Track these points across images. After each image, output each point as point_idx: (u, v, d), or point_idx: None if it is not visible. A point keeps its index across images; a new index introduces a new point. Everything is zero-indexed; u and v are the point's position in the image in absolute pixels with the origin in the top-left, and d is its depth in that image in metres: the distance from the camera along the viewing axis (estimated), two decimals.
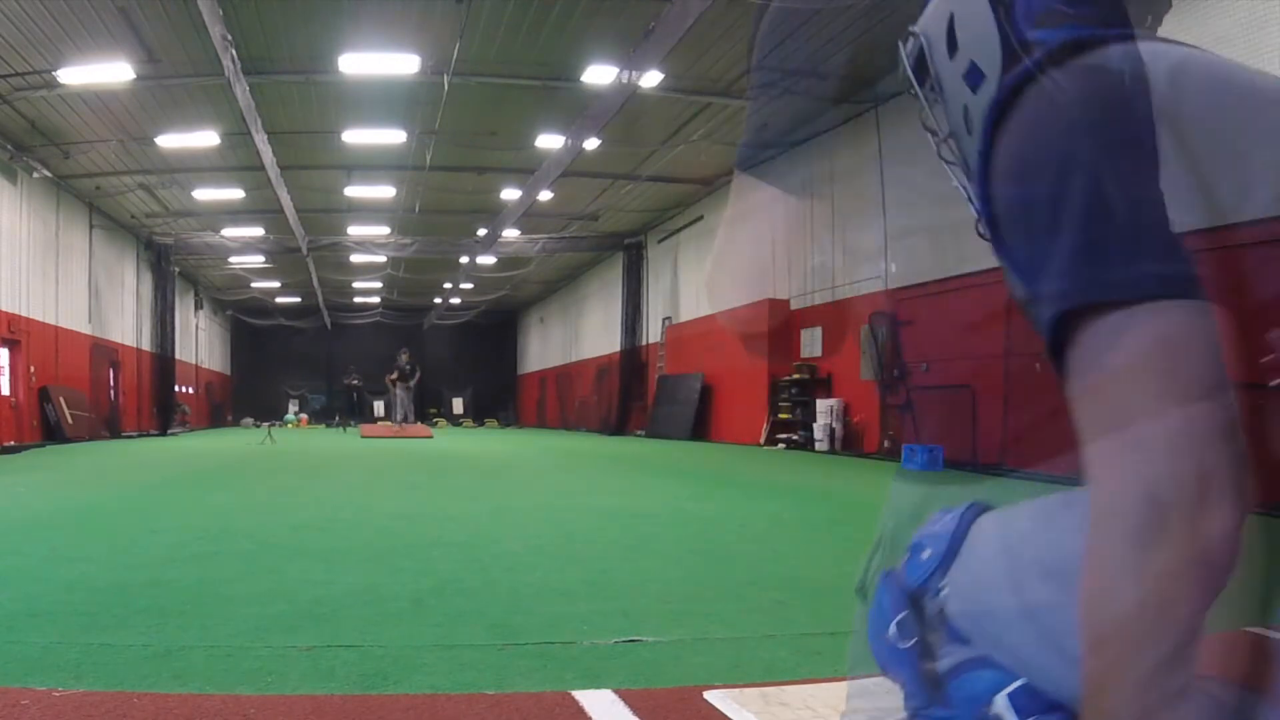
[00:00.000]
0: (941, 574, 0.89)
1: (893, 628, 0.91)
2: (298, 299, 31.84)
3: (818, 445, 13.74)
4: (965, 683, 0.84)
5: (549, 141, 14.83)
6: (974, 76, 0.96)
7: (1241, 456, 0.65)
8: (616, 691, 2.08)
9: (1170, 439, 0.66)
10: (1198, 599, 0.63)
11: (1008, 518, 0.86)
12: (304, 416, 31.35)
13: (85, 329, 17.92)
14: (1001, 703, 0.80)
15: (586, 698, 2.03)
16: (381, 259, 22.91)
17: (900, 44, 1.10)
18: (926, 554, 0.92)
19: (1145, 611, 0.64)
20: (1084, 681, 0.67)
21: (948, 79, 1.02)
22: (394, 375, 22.70)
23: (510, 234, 21.16)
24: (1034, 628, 0.75)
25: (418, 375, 23.30)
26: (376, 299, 32.64)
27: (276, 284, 29.33)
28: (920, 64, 1.06)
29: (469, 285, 29.05)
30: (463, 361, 37.39)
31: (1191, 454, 0.64)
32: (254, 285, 29.55)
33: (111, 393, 19.52)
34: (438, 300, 32.64)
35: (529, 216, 19.72)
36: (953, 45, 0.99)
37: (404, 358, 23.03)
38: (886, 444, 12.24)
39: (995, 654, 0.82)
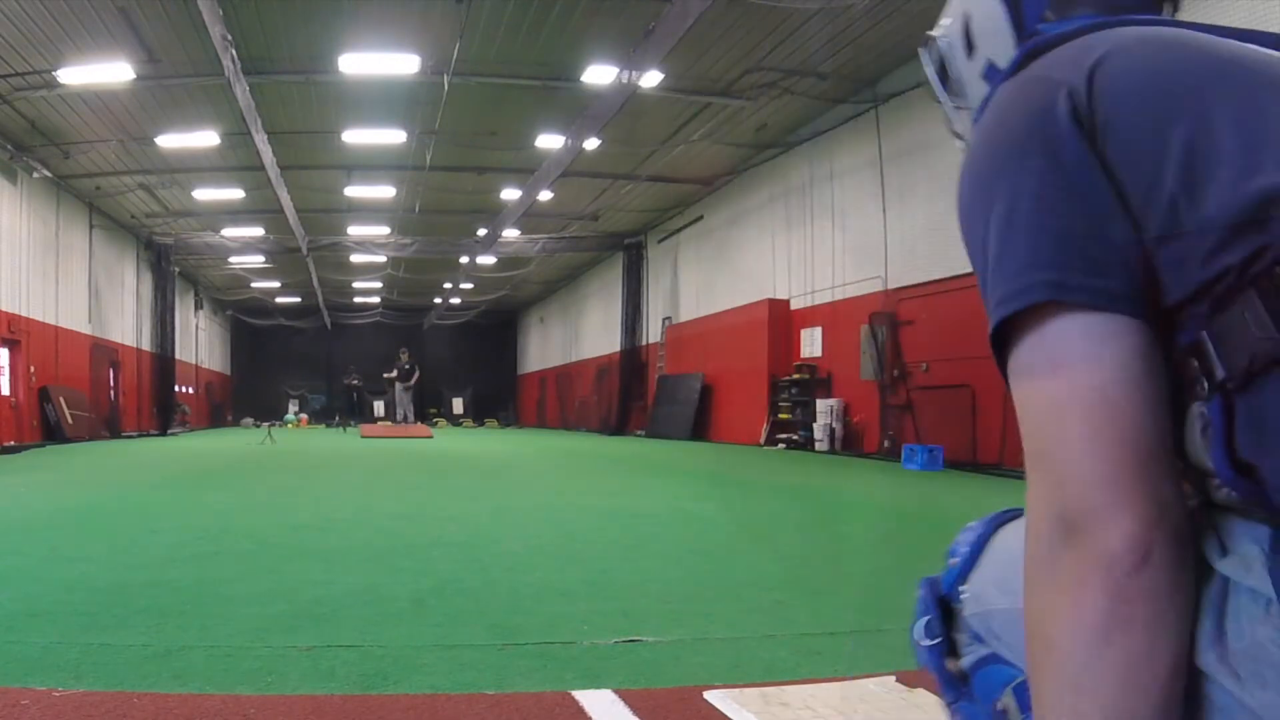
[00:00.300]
0: (964, 578, 0.94)
1: (920, 628, 0.97)
2: (298, 299, 31.83)
3: (818, 445, 13.74)
4: (983, 677, 0.90)
5: (549, 141, 14.83)
6: (993, 75, 0.95)
7: (1154, 462, 0.64)
8: (616, 691, 2.08)
9: (1064, 451, 0.66)
10: (1099, 616, 0.62)
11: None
12: (304, 416, 31.34)
13: (85, 329, 17.92)
14: (1009, 695, 0.85)
15: (586, 698, 2.03)
16: (381, 259, 22.91)
17: (922, 50, 1.10)
18: (954, 560, 0.97)
19: (1050, 628, 0.64)
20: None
21: (969, 81, 1.01)
22: (393, 374, 22.74)
23: (510, 234, 21.16)
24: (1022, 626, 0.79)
25: (417, 375, 23.31)
26: (376, 299, 32.64)
27: (276, 284, 29.33)
28: (943, 68, 1.05)
29: (469, 285, 29.05)
30: (463, 361, 37.38)
31: (1084, 463, 0.64)
32: (254, 285, 29.55)
33: (111, 393, 19.52)
34: (438, 300, 32.64)
35: (529, 216, 19.72)
36: (970, 45, 0.99)
37: (404, 357, 23.09)
38: (886, 444, 12.24)
39: (1004, 651, 0.87)
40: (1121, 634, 0.61)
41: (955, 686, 0.94)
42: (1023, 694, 0.82)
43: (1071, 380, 0.67)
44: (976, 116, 0.86)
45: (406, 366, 23.15)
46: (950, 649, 0.95)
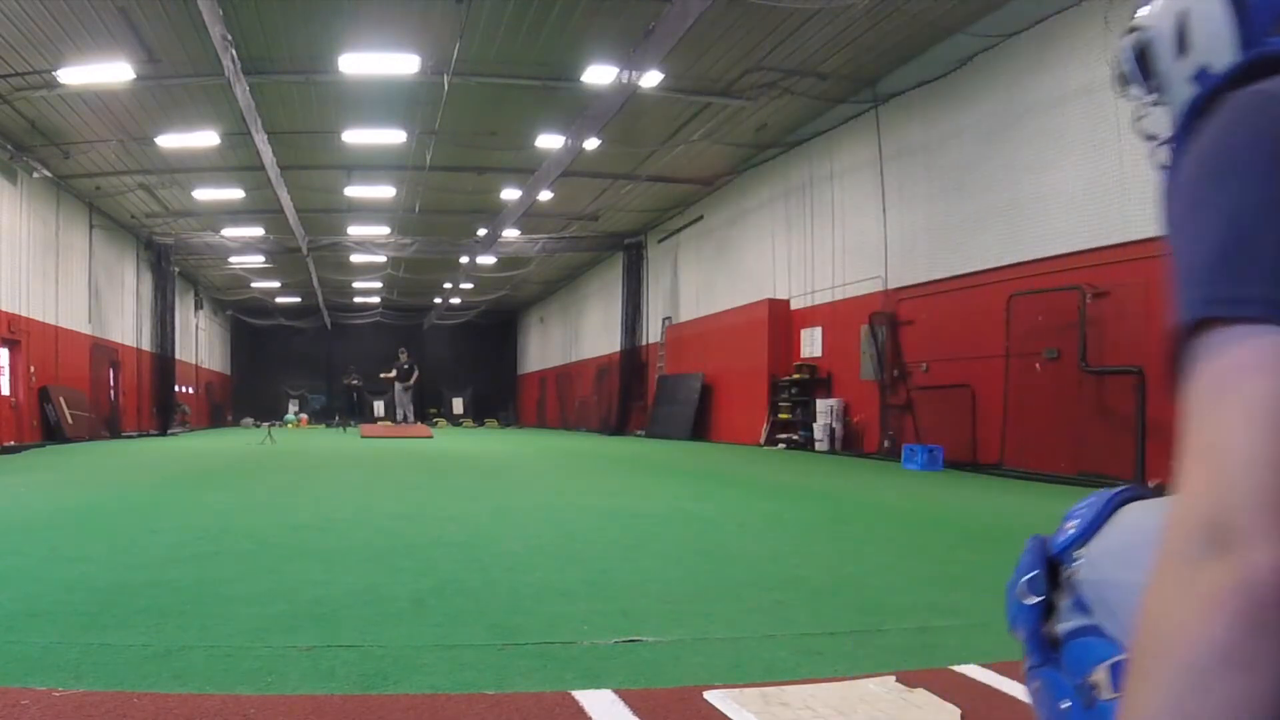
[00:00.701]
0: (1080, 544, 0.92)
1: (1022, 584, 0.95)
2: (298, 299, 31.84)
3: (818, 445, 13.74)
4: (1077, 647, 0.87)
5: (549, 141, 14.83)
6: (1205, 80, 0.90)
7: None
8: (616, 691, 2.08)
9: (1239, 455, 0.61)
10: (1228, 640, 0.57)
11: (1160, 507, 0.86)
12: (304, 416, 31.34)
13: (85, 329, 17.92)
14: (1103, 672, 0.82)
15: (586, 698, 2.03)
16: (381, 259, 22.91)
17: (1122, 38, 1.06)
18: (1072, 525, 0.95)
19: (1170, 632, 0.60)
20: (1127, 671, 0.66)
21: (1174, 80, 0.96)
22: (391, 374, 22.74)
23: (510, 234, 21.16)
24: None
25: (416, 374, 23.31)
26: (376, 299, 32.64)
27: (276, 284, 29.33)
28: (1141, 61, 1.01)
29: (469, 285, 29.05)
30: (463, 361, 37.39)
31: (1258, 476, 0.60)
32: (254, 285, 29.55)
33: (111, 393, 19.52)
34: (438, 300, 32.64)
35: (529, 216, 19.72)
36: (1182, 45, 0.95)
37: (403, 357, 23.08)
38: (886, 444, 12.24)
39: (1108, 625, 0.85)
40: (1244, 667, 0.57)
41: (1044, 651, 0.92)
42: (1120, 673, 0.79)
43: (1270, 389, 0.62)
44: (1183, 120, 0.82)
45: (406, 366, 23.15)
46: (1047, 612, 0.93)
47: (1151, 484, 0.88)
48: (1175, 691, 0.58)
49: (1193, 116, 0.81)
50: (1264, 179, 0.68)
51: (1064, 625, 0.90)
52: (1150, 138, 1.02)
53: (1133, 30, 1.03)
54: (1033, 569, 0.95)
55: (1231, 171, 0.70)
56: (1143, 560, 0.78)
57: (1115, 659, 0.81)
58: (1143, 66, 1.01)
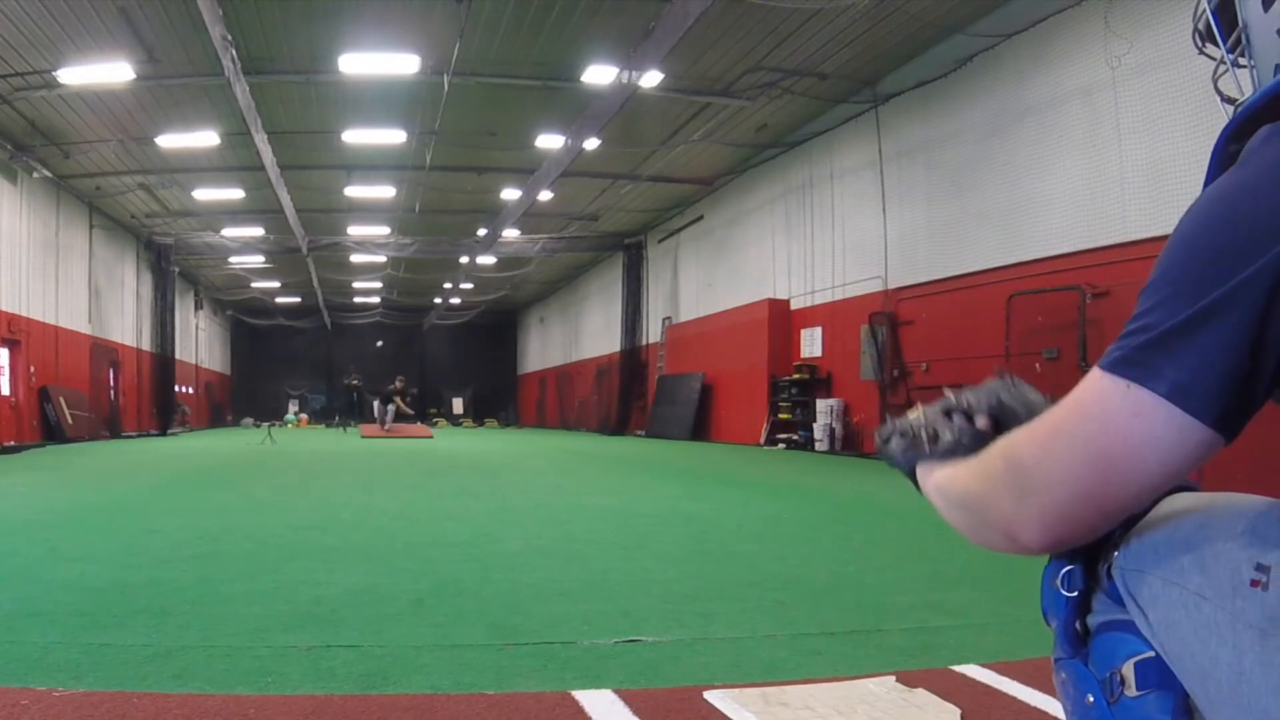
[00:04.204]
0: (1121, 534, 0.89)
1: (1063, 575, 0.93)
2: (298, 299, 31.84)
3: (818, 445, 13.74)
4: (1106, 641, 0.86)
5: (549, 141, 14.83)
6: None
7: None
8: (616, 691, 2.08)
9: (1050, 440, 0.77)
10: (982, 526, 0.81)
11: (1207, 502, 0.85)
12: (304, 416, 31.36)
13: (85, 329, 17.92)
14: (1129, 669, 0.82)
15: (586, 698, 2.03)
16: (381, 259, 22.91)
17: None
18: None
19: (963, 479, 0.84)
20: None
21: (1260, 35, 0.88)
22: (392, 387, 22.50)
23: (510, 234, 21.16)
24: (1182, 608, 0.75)
25: (408, 397, 23.23)
26: (376, 299, 32.64)
27: (276, 284, 29.33)
28: (1225, 11, 0.93)
29: (469, 285, 29.06)
30: (463, 361, 37.41)
31: (1062, 495, 0.74)
32: (254, 285, 29.56)
33: (111, 393, 19.52)
34: (438, 300, 32.64)
35: (529, 216, 19.72)
36: None
37: (399, 384, 22.63)
38: None
39: (1139, 621, 0.83)
40: (990, 538, 0.82)
41: (1074, 643, 0.90)
42: (1145, 671, 0.80)
43: (1120, 419, 0.71)
44: (1244, 109, 0.75)
45: (397, 386, 22.86)
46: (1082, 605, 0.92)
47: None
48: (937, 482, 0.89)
49: (1225, 142, 0.75)
50: (1223, 248, 0.66)
51: (1095, 618, 0.89)
52: (1228, 100, 0.98)
53: None
54: (1072, 561, 0.93)
55: (1200, 248, 0.69)
56: (1181, 560, 0.77)
57: (1142, 655, 0.80)
58: (1224, 20, 0.95)
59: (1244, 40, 0.91)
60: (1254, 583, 0.69)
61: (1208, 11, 0.96)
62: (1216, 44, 0.96)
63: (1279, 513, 0.74)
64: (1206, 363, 0.66)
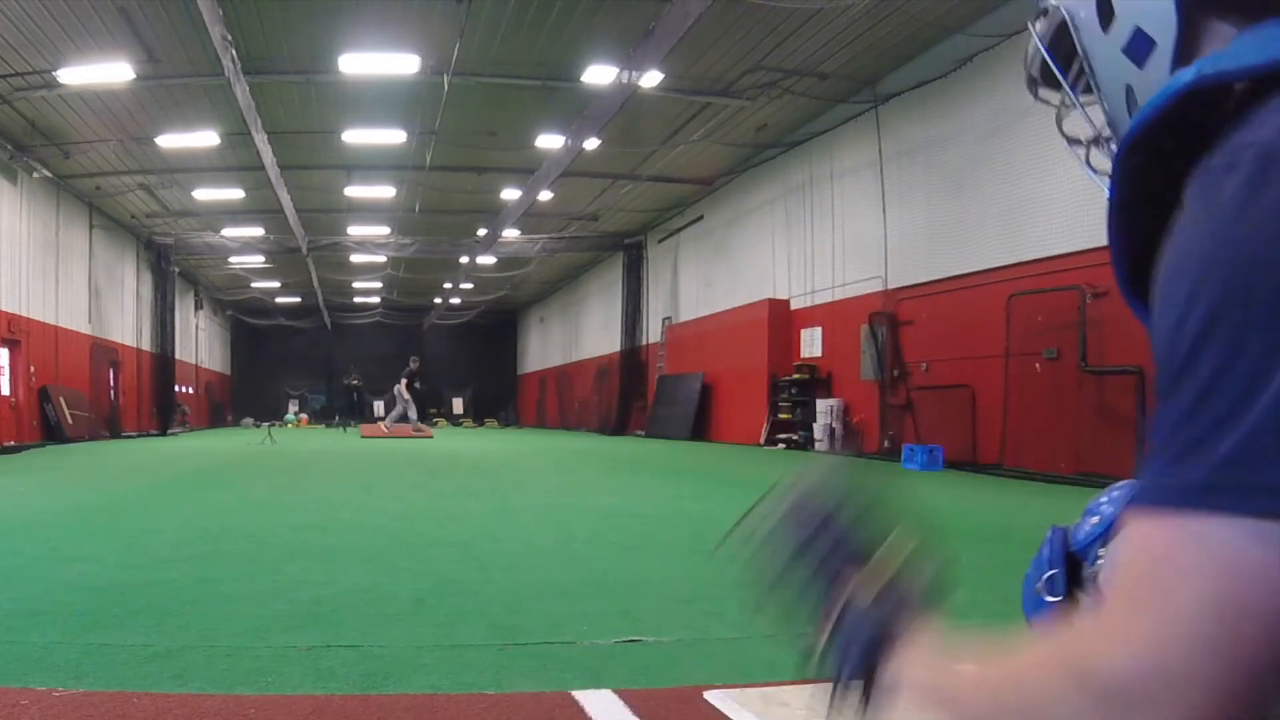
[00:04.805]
0: (1103, 543, 0.88)
1: (1043, 581, 0.91)
2: (298, 299, 31.84)
3: (818, 445, 13.74)
4: None
5: (549, 141, 14.83)
6: (1140, 45, 0.72)
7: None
8: (616, 691, 2.08)
9: (1171, 610, 0.49)
10: None
11: None
12: (304, 416, 31.35)
13: (85, 329, 17.91)
14: None
15: (586, 698, 2.03)
16: (381, 259, 22.91)
17: (1030, 24, 0.87)
18: (1094, 521, 0.91)
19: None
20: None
21: (1102, 58, 0.78)
22: (404, 380, 22.34)
23: (510, 234, 21.16)
24: None
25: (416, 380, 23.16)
26: (376, 299, 32.64)
27: (276, 284, 29.33)
28: (1059, 46, 0.82)
29: (469, 285, 29.05)
30: (463, 361, 37.39)
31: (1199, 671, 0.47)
32: (254, 285, 29.56)
33: (111, 393, 19.52)
34: (438, 300, 32.64)
35: (529, 216, 19.72)
36: (1106, 14, 0.76)
37: (414, 364, 22.47)
38: (886, 444, 12.24)
39: None
40: None
41: None
42: None
43: (1225, 576, 0.48)
44: (1142, 117, 0.62)
45: (414, 368, 22.77)
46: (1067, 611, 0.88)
47: None
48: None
49: (1143, 124, 0.63)
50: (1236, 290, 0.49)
51: None
52: (1074, 142, 0.88)
53: (1041, 15, 0.85)
54: (1053, 565, 0.90)
55: (1247, 313, 0.49)
56: None
57: None
58: (1059, 55, 0.83)
59: (1086, 69, 0.81)
60: None
61: (1041, 50, 0.85)
62: (1054, 86, 0.86)
63: None
64: None
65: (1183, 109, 0.60)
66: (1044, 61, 0.85)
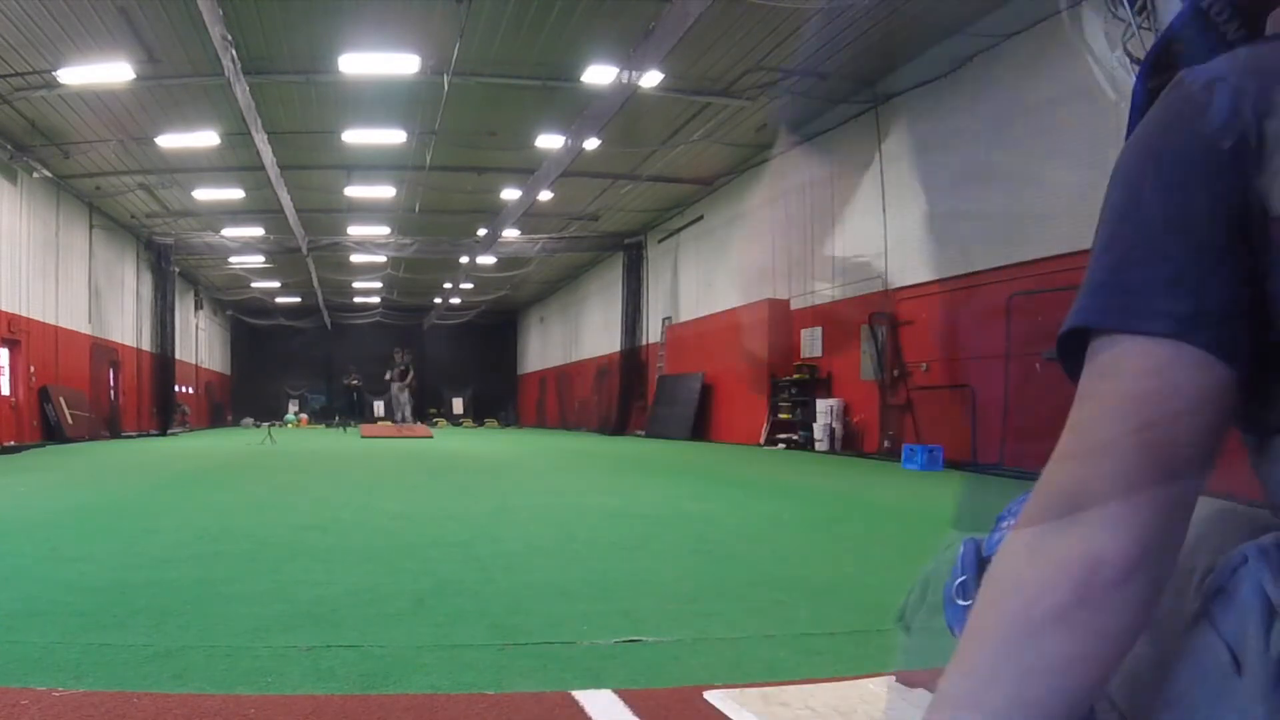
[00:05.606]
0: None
1: (955, 587, 0.95)
2: (298, 299, 31.84)
3: (818, 445, 13.74)
4: None
5: (549, 141, 14.83)
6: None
7: (1181, 497, 0.64)
8: (616, 691, 2.07)
9: (1103, 434, 0.65)
10: (1056, 605, 0.62)
11: None
12: (304, 416, 31.36)
13: (85, 329, 17.91)
14: None
15: (586, 698, 2.03)
16: (381, 259, 22.91)
17: None
18: (1007, 524, 0.94)
19: (1005, 589, 0.65)
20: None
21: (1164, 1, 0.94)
22: (388, 375, 22.74)
23: (510, 234, 21.16)
24: None
25: (411, 375, 23.31)
26: (376, 299, 32.64)
27: (276, 284, 29.33)
28: None
29: (469, 285, 29.05)
30: (463, 361, 37.39)
31: (1119, 457, 0.63)
32: (254, 285, 29.56)
33: (111, 393, 19.52)
34: (438, 300, 32.64)
35: (529, 216, 19.72)
36: None
37: (398, 357, 23.03)
38: (886, 444, 12.24)
39: None
40: (1072, 629, 0.61)
41: None
42: None
43: (1138, 386, 0.65)
44: (1159, 38, 0.78)
45: (402, 367, 23.15)
46: None
47: None
48: (1010, 635, 0.63)
49: (1143, 80, 0.78)
50: (1170, 190, 0.67)
51: None
52: (1135, 61, 1.00)
53: None
54: (964, 573, 0.95)
55: (1141, 184, 0.69)
56: None
57: None
58: None
59: (1149, 6, 0.94)
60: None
61: None
62: (1125, 7, 1.00)
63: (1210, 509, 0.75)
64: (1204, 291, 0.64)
65: (1191, 29, 0.74)
66: None
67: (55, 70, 11.28)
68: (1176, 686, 0.66)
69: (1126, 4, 0.84)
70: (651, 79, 11.93)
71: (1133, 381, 0.65)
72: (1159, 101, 0.72)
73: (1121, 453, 0.64)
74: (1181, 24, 0.75)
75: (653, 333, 21.90)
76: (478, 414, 34.95)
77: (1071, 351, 0.73)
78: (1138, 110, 0.77)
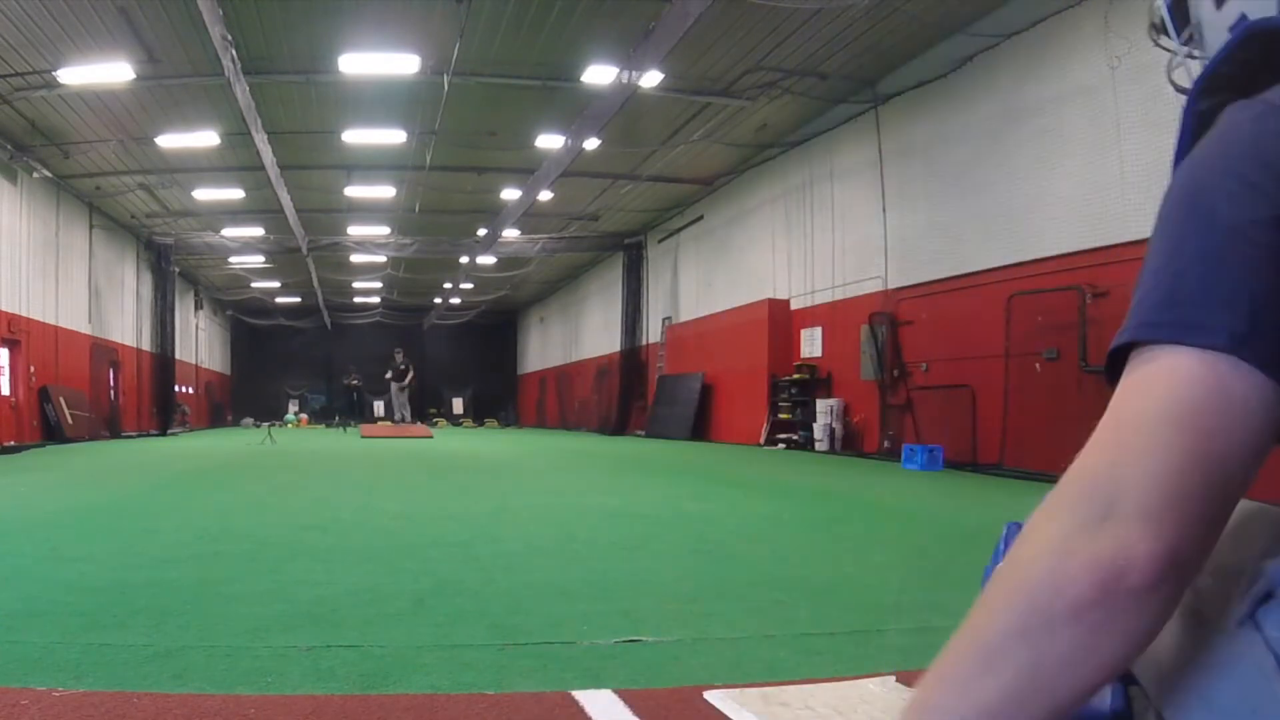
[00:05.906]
0: None
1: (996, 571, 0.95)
2: (298, 299, 31.83)
3: (818, 445, 13.74)
4: None
5: (549, 141, 14.83)
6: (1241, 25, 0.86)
7: (1219, 514, 0.63)
8: (616, 691, 2.08)
9: (1147, 441, 0.64)
10: (1077, 602, 0.61)
11: None
12: (304, 416, 31.34)
13: (85, 329, 17.91)
14: None
15: (586, 698, 2.03)
16: (381, 259, 22.92)
17: None
18: None
19: (1038, 570, 0.64)
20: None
21: (1211, 31, 0.92)
22: (388, 374, 22.82)
23: (510, 234, 21.16)
24: None
25: (411, 374, 23.35)
26: (376, 299, 32.63)
27: (276, 284, 29.33)
28: (1179, 9, 0.96)
29: (469, 285, 29.05)
30: (463, 361, 37.39)
31: (1162, 465, 0.63)
32: (254, 285, 29.55)
33: (111, 393, 19.51)
34: (438, 300, 32.63)
35: (529, 216, 19.72)
36: None
37: (398, 357, 23.13)
38: (886, 444, 12.24)
39: None
40: (1090, 627, 0.61)
41: None
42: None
43: (1191, 394, 0.65)
44: (1210, 63, 0.79)
45: (401, 366, 23.21)
46: None
47: None
48: (1026, 621, 0.63)
49: (1200, 84, 0.79)
50: (1227, 210, 0.68)
51: None
52: (1181, 91, 0.98)
53: None
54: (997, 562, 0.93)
55: (1199, 204, 0.70)
56: None
57: None
58: (1178, 14, 0.97)
59: (1197, 36, 0.95)
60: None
61: (1162, 8, 0.98)
62: (1170, 38, 0.99)
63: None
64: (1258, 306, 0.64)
65: (1242, 56, 0.76)
66: (1164, 16, 0.99)
67: (55, 70, 11.28)
68: (1218, 689, 0.66)
69: (1173, 32, 0.85)
70: (651, 79, 11.93)
71: (1187, 389, 0.65)
72: (1215, 126, 0.73)
73: (1167, 457, 0.63)
74: (1230, 51, 0.77)
75: (653, 333, 21.90)
76: (478, 414, 34.95)
77: (1122, 366, 0.73)
78: (1189, 133, 0.79)
